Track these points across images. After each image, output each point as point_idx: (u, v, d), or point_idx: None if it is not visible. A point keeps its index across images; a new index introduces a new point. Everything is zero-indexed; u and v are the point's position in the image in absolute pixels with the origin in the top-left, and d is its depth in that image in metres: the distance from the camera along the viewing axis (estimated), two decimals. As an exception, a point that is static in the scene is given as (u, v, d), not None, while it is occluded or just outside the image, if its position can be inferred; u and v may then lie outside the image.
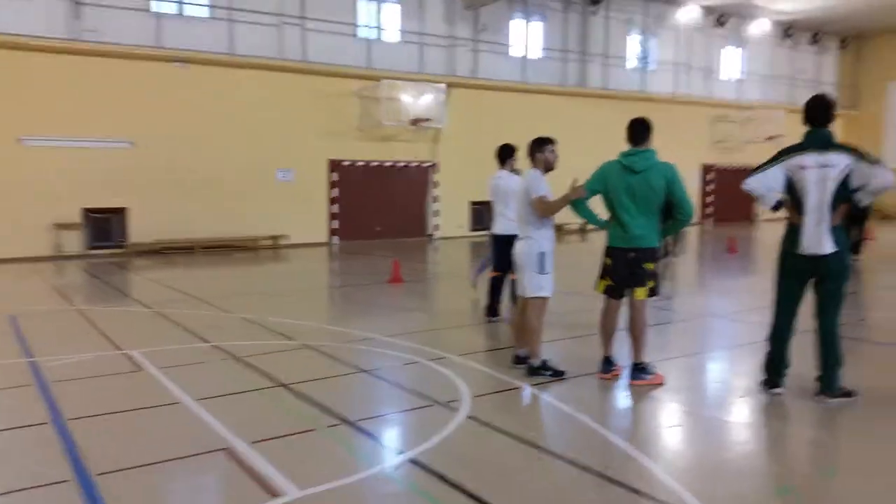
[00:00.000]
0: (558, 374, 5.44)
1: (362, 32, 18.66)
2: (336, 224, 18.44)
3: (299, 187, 17.62)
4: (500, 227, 7.45)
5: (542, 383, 5.24)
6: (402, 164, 19.36)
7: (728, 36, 26.53)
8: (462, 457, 3.91)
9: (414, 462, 3.78)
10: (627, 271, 5.20)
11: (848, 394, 4.75)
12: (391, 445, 4.22)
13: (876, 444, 4.09)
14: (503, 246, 7.41)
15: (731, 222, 25.62)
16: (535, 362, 5.49)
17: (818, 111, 4.77)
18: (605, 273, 5.32)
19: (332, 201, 18.33)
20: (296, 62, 17.29)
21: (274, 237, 17.18)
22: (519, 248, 5.59)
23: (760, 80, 27.62)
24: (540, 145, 5.57)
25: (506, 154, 7.49)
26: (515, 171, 7.40)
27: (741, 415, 4.75)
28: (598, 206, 5.34)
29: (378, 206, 18.99)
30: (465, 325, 7.86)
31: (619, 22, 23.63)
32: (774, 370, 4.97)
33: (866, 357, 6.24)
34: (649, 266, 5.17)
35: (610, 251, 5.28)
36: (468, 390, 5.03)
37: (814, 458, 4.12)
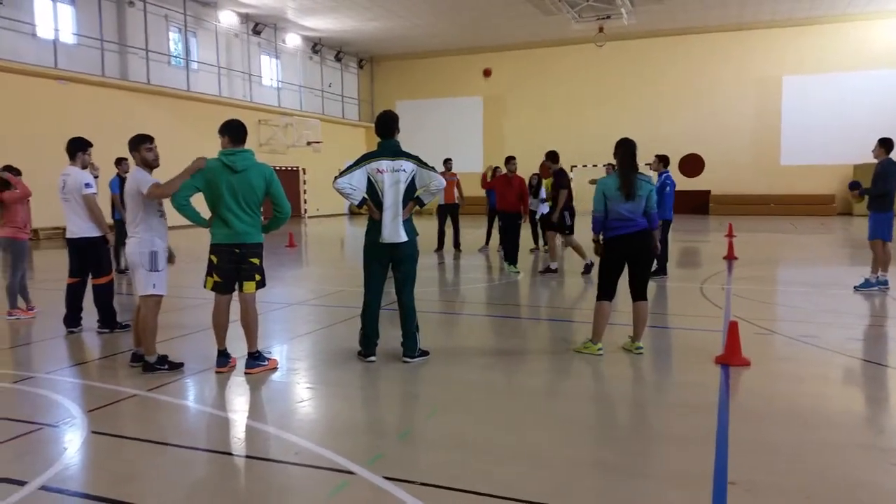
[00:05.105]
0: (176, 367, 5.43)
1: None
2: None
3: None
4: (74, 229, 6.79)
5: (161, 385, 5.07)
6: None
7: (263, 45, 27.96)
8: (104, 470, 3.63)
9: (46, 489, 3.39)
10: (234, 267, 5.38)
11: (424, 353, 5.86)
12: (5, 478, 3.62)
13: (452, 386, 5.19)
14: (79, 250, 6.82)
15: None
16: (151, 359, 5.38)
17: (386, 125, 5.70)
18: (212, 270, 5.39)
19: None
20: None
21: None
22: (130, 248, 5.40)
23: (296, 90, 29.86)
24: (136, 144, 5.45)
25: (76, 148, 6.80)
26: (92, 168, 6.87)
27: (352, 382, 5.30)
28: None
29: None
30: (44, 339, 6.89)
31: (158, 17, 22.80)
32: (367, 342, 5.81)
33: (434, 323, 7.40)
34: (255, 260, 5.41)
35: (215, 248, 5.36)
36: (78, 406, 4.57)
37: (415, 405, 4.95)
